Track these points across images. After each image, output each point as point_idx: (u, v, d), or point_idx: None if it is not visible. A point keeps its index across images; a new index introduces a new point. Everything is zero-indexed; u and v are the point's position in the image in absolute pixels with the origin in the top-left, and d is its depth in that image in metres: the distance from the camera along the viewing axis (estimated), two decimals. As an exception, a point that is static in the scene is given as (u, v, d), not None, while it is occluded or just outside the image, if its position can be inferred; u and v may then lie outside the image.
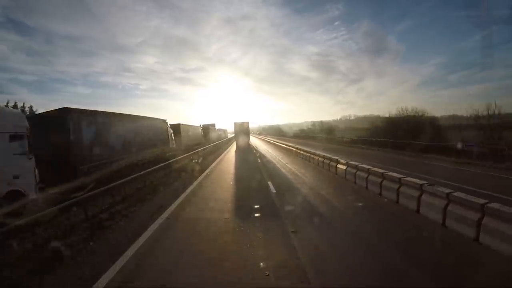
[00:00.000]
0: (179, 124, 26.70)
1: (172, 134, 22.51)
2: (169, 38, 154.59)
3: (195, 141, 32.31)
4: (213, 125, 60.97)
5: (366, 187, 8.66)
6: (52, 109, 10.25)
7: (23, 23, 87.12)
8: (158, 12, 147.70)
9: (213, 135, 48.13)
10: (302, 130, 62.08)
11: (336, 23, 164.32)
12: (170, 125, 22.16)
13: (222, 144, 37.60)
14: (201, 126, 47.98)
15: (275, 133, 78.81)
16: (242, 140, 33.04)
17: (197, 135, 36.10)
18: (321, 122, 59.13)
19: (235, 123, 34.08)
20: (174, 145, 22.12)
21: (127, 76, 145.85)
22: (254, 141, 47.60)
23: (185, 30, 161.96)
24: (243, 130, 33.68)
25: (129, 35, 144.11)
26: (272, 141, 41.20)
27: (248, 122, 34.63)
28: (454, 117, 27.59)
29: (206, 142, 35.72)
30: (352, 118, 66.86)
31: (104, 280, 3.75)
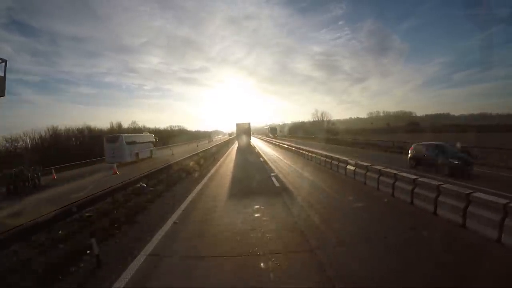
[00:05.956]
0: None
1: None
2: (172, 39, 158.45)
3: None
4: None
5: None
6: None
7: (27, 24, 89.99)
8: (161, 13, 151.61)
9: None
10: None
11: (340, 22, 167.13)
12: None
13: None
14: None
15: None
16: (243, 140, 35.99)
17: None
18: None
19: (237, 124, 36.96)
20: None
21: (131, 76, 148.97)
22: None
23: (188, 31, 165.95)
24: (244, 130, 36.59)
25: (133, 35, 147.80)
26: None
27: (249, 123, 37.61)
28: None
29: None
30: (382, 114, 60.50)
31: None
